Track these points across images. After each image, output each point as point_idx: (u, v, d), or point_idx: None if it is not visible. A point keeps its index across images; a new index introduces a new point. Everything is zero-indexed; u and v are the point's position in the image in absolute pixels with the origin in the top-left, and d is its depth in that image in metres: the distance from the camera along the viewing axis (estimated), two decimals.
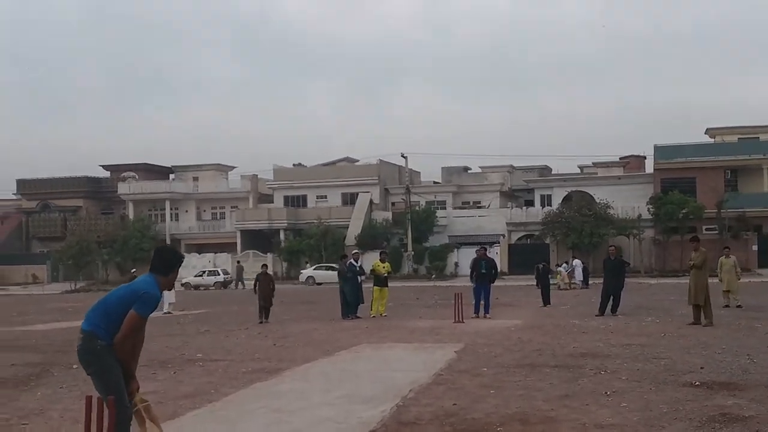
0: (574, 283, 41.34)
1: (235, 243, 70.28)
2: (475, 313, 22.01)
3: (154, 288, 6.08)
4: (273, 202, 73.58)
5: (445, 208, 68.64)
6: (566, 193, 66.10)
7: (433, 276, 59.77)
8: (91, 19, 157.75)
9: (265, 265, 25.85)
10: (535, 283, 28.64)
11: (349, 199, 70.34)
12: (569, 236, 58.51)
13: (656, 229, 59.28)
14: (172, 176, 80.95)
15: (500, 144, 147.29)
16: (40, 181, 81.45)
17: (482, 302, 22.21)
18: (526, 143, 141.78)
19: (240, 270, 56.28)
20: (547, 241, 61.35)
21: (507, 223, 65.09)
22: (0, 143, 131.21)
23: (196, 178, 78.51)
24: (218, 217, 76.37)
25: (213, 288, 55.78)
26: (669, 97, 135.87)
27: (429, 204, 68.01)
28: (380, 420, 8.40)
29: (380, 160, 72.36)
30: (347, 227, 65.41)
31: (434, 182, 77.34)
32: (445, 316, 22.16)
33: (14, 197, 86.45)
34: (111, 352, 5.88)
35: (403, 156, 65.84)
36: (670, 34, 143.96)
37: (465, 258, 55.47)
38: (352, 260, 24.32)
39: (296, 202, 72.78)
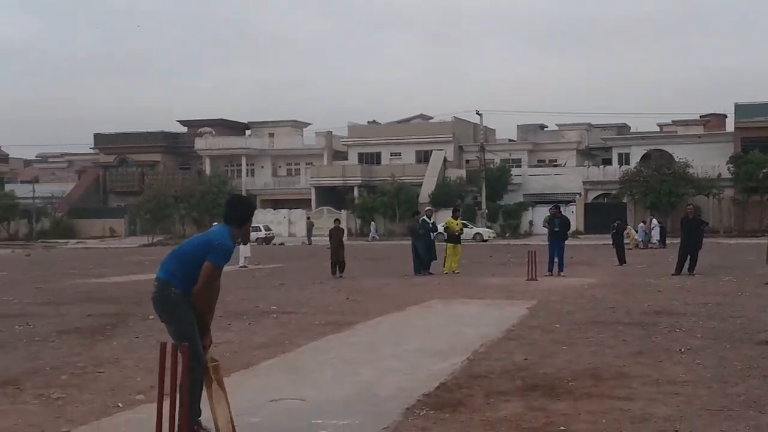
0: (653, 243, 40.68)
1: (310, 199, 70.87)
2: (548, 270, 21.87)
3: (227, 238, 6.10)
4: (347, 159, 73.84)
5: (520, 166, 67.99)
6: (645, 151, 64.78)
7: (507, 235, 59.42)
8: None
9: (337, 220, 25.91)
10: (611, 242, 28.31)
11: (423, 157, 70.15)
12: (647, 196, 57.51)
13: (736, 189, 57.85)
14: (248, 132, 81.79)
15: (578, 101, 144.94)
16: (118, 135, 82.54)
17: (556, 260, 22.07)
18: (604, 101, 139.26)
19: (310, 226, 56.68)
20: (625, 200, 60.38)
21: (583, 182, 64.20)
22: (79, 98, 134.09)
23: (271, 135, 79.15)
24: (293, 174, 77.01)
25: (255, 243, 56.28)
26: (752, 55, 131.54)
27: (504, 162, 67.45)
28: (450, 373, 8.41)
29: (455, 118, 71.85)
30: (421, 185, 65.31)
31: (509, 140, 76.54)
32: (518, 274, 22.04)
33: (92, 152, 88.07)
34: (185, 300, 5.97)
35: (478, 113, 65.36)
36: None
37: (539, 217, 54.95)
38: (425, 217, 24.31)
39: (370, 159, 72.90)
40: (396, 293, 17.55)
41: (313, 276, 23.26)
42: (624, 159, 65.98)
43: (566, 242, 22.90)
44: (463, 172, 67.68)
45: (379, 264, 29.10)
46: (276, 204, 72.26)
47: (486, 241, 53.63)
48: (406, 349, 9.98)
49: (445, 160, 68.62)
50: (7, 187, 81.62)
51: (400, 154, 72.20)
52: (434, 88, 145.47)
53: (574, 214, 57.04)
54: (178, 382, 5.73)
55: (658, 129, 74.09)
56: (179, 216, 70.61)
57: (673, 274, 21.03)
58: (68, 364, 9.33)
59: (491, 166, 65.07)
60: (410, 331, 11.67)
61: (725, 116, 70.98)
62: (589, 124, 75.21)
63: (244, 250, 27.54)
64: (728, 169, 57.58)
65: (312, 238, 55.74)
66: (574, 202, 61.71)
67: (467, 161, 70.72)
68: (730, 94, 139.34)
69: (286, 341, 10.82)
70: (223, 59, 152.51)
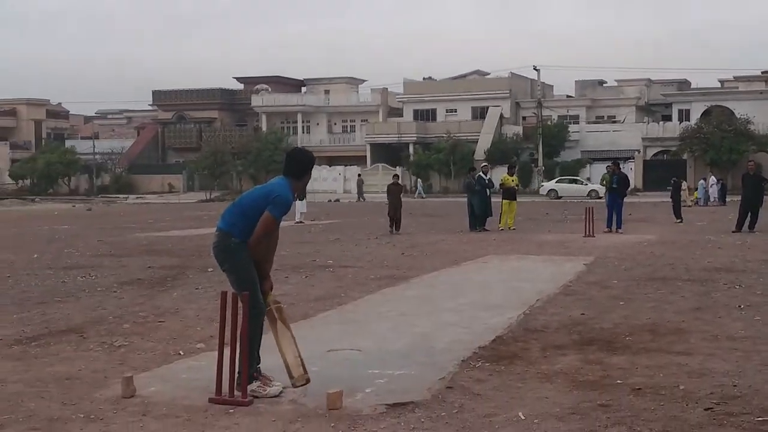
0: (712, 201, 40.03)
1: (365, 156, 70.90)
2: (607, 227, 21.68)
3: (287, 191, 6.12)
4: (402, 116, 73.55)
5: (577, 123, 67.09)
6: (705, 107, 63.39)
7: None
8: None
9: (396, 176, 25.82)
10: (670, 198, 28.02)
11: (479, 113, 69.57)
12: (707, 152, 56.45)
13: None
14: (303, 89, 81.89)
15: (638, 57, 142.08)
16: (176, 92, 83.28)
17: (614, 217, 21.86)
18: (665, 56, 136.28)
19: (360, 183, 56.61)
20: (684, 157, 59.32)
21: (642, 139, 63.19)
22: (137, 55, 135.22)
23: (327, 91, 79.17)
24: (348, 131, 77.01)
25: None
26: None
27: (561, 118, 66.61)
28: (506, 326, 8.41)
29: (512, 74, 71.00)
30: (476, 142, 64.86)
31: (567, 96, 75.42)
32: (575, 230, 21.87)
33: (150, 108, 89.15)
34: (245, 250, 6.03)
35: (535, 69, 64.43)
36: None
37: (597, 174, 54.20)
38: (481, 173, 24.19)
39: (425, 116, 72.53)
40: (451, 249, 17.55)
41: (369, 232, 23.34)
42: (684, 115, 64.66)
43: (625, 199, 22.61)
44: (519, 129, 67.02)
45: (434, 220, 29.09)
46: (331, 161, 72.41)
47: (601, 198, 50.43)
48: (462, 303, 10.00)
49: (501, 116, 67.97)
50: (68, 143, 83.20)
51: (455, 111, 71.69)
52: (491, 43, 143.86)
53: (632, 171, 56.25)
54: (239, 330, 5.84)
55: (719, 85, 72.42)
56: (236, 172, 71.18)
57: (733, 231, 20.69)
58: (130, 313, 9.54)
59: (548, 122, 64.30)
60: (466, 285, 11.68)
61: None
62: (649, 80, 73.78)
63: (300, 206, 27.71)
64: None
65: (364, 195, 55.67)
66: (633, 159, 60.80)
67: (524, 118, 69.94)
68: None
69: (342, 294, 10.92)
70: (280, 15, 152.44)
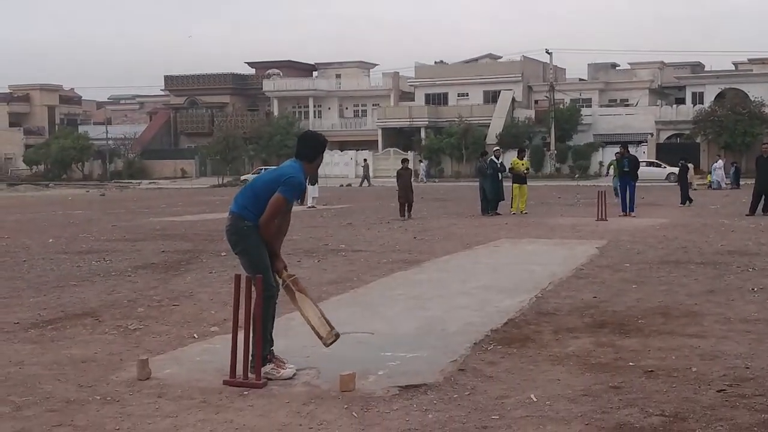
0: (727, 183, 39.83)
1: (377, 141, 70.84)
2: (622, 211, 21.66)
3: (299, 173, 6.14)
4: (414, 100, 73.40)
5: (590, 106, 66.79)
6: (719, 90, 62.93)
7: (577, 176, 58.67)
8: None
9: (405, 160, 25.81)
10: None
11: (491, 97, 69.33)
12: (721, 135, 56.15)
13: None
14: (315, 74, 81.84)
15: (651, 40, 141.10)
16: (187, 77, 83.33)
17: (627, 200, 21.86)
18: (678, 38, 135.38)
19: (366, 168, 56.43)
20: (698, 140, 59.03)
21: (656, 122, 62.87)
22: (149, 40, 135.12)
23: (338, 76, 79.08)
24: (360, 115, 76.96)
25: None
26: None
27: (574, 102, 66.33)
28: (519, 309, 8.44)
29: (524, 57, 70.69)
30: (488, 125, 64.65)
31: (580, 79, 75.07)
32: (588, 214, 21.83)
33: (162, 93, 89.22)
34: (257, 233, 6.07)
35: (547, 52, 64.24)
36: None
37: (610, 157, 53.96)
38: (493, 157, 24.16)
39: (437, 100, 72.37)
40: (463, 233, 17.57)
41: (381, 216, 23.38)
42: (698, 98, 64.26)
43: (637, 183, 22.56)
44: (531, 113, 66.79)
45: (446, 204, 29.10)
46: (342, 145, 72.35)
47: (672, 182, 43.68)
48: (474, 286, 10.03)
49: (513, 100, 67.73)
50: (81, 129, 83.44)
51: (467, 95, 71.47)
52: (503, 27, 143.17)
53: (645, 155, 55.97)
54: (252, 313, 5.89)
55: (733, 67, 71.91)
56: (248, 157, 71.27)
57: (746, 215, 20.64)
58: (145, 297, 9.61)
59: (561, 106, 64.03)
60: (478, 269, 11.70)
61: None
62: (663, 63, 73.34)
63: (312, 191, 27.71)
64: None
65: (367, 179, 55.04)
66: (646, 142, 60.53)
67: (536, 101, 69.70)
68: None
69: (354, 278, 10.97)
70: (292, 0, 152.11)
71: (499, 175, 23.50)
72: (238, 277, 5.95)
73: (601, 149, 61.55)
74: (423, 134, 68.14)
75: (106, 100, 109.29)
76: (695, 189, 35.63)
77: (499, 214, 22.65)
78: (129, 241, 16.63)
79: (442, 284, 10.28)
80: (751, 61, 69.32)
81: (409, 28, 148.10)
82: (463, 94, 71.65)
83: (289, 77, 78.67)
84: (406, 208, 22.88)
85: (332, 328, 6.06)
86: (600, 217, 20.13)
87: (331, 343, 6.04)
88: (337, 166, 66.99)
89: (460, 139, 63.58)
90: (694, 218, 20.52)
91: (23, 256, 14.05)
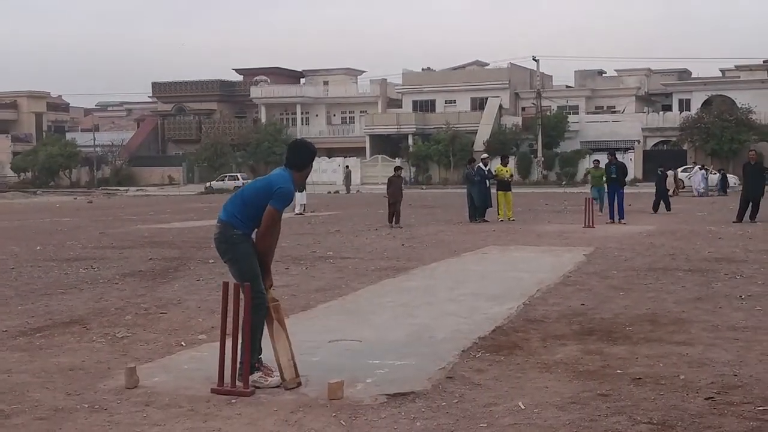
0: (712, 189, 39.85)
1: (364, 147, 70.86)
2: (610, 218, 21.75)
3: (289, 183, 6.13)
4: (401, 107, 73.50)
5: (577, 113, 67.05)
6: (706, 97, 63.27)
7: (564, 182, 58.85)
8: None
9: (399, 167, 25.78)
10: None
11: (478, 104, 69.50)
12: (708, 142, 56.42)
13: None
14: (302, 80, 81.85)
15: (638, 47, 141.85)
16: (175, 84, 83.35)
17: (615, 207, 21.94)
18: (665, 45, 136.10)
19: (348, 175, 56.33)
20: (685, 147, 59.28)
21: (642, 129, 63.17)
22: (137, 47, 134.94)
23: (326, 83, 79.16)
24: (348, 122, 76.99)
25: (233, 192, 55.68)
26: None
27: (561, 109, 66.56)
28: (506, 317, 8.45)
29: (511, 64, 70.93)
30: (476, 132, 64.81)
31: (567, 86, 75.34)
32: (575, 221, 21.89)
33: (150, 100, 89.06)
34: (246, 240, 6.06)
35: (534, 59, 64.35)
36: None
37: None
38: (480, 164, 24.21)
39: (425, 106, 72.47)
40: (451, 240, 17.58)
41: (369, 223, 23.37)
42: (685, 105, 64.59)
43: (625, 189, 22.63)
44: (519, 120, 66.98)
45: (434, 211, 29.12)
46: (330, 152, 72.36)
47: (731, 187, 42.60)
48: (462, 293, 10.04)
49: (500, 107, 67.91)
50: (69, 136, 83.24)
51: (454, 102, 71.61)
52: (490, 34, 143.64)
53: (632, 162, 56.21)
54: (240, 321, 5.88)
55: (720, 74, 72.31)
56: (236, 164, 71.20)
57: (734, 222, 20.72)
58: (132, 305, 9.58)
59: (548, 113, 64.24)
60: (466, 276, 11.72)
61: None
62: (649, 70, 73.67)
63: (300, 197, 27.68)
64: None
65: (351, 186, 55.02)
66: (633, 149, 60.77)
67: (523, 108, 69.88)
68: None
69: (343, 285, 10.96)
70: (278, 5, 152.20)
71: (487, 182, 23.55)
72: (226, 285, 5.95)
73: (588, 156, 61.70)
74: (411, 141, 68.21)
75: (94, 107, 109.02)
76: (671, 195, 35.59)
77: (486, 221, 22.68)
78: (117, 249, 16.57)
79: (430, 291, 10.28)
80: (739, 68, 69.74)
81: (396, 35, 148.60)
82: (450, 101, 71.79)
83: (276, 84, 78.68)
84: (394, 216, 22.83)
85: (297, 375, 5.94)
86: (587, 224, 20.18)
87: (292, 389, 5.88)
88: (324, 173, 66.93)
89: (447, 146, 63.69)
90: (681, 225, 20.60)
91: (11, 264, 13.98)
